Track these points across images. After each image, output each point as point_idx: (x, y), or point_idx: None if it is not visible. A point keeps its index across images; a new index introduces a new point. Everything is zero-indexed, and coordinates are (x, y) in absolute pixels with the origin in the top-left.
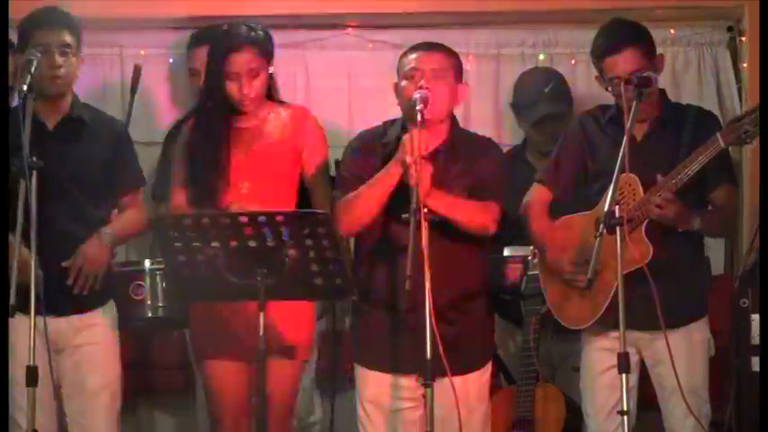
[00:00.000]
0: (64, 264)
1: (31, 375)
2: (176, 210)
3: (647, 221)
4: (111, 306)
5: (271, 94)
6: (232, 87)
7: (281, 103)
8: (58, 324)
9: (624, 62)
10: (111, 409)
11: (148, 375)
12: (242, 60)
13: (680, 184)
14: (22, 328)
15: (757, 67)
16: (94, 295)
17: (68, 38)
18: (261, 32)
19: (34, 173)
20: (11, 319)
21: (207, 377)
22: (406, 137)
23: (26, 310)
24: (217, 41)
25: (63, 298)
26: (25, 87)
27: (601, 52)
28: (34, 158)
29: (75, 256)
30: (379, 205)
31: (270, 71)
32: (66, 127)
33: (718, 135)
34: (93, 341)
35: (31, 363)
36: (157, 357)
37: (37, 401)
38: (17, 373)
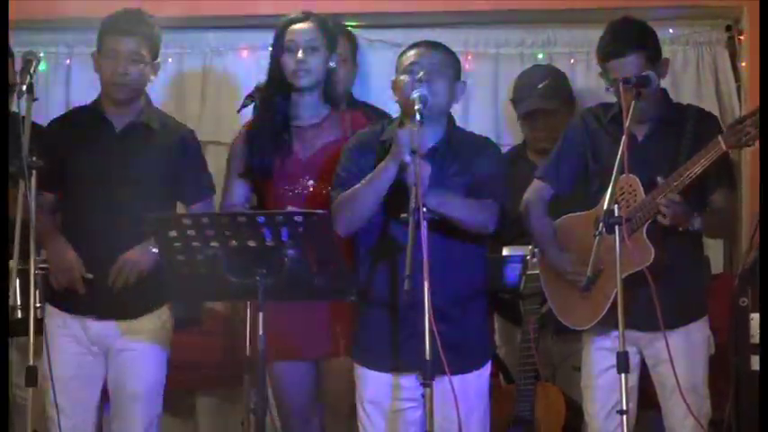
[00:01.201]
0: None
1: (30, 375)
2: (232, 194)
3: (648, 223)
4: (161, 312)
5: (331, 95)
6: (288, 59)
7: (340, 108)
8: (107, 326)
9: (627, 67)
10: (147, 417)
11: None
12: (301, 30)
13: (681, 187)
14: (56, 327)
15: (756, 67)
16: (140, 301)
17: (140, 48)
18: (327, 18)
19: (34, 173)
20: (46, 318)
21: (273, 378)
22: (400, 132)
23: (66, 310)
24: (280, 22)
25: (111, 302)
26: (24, 87)
27: (604, 55)
28: (33, 158)
29: (119, 259)
30: (376, 202)
31: (331, 64)
32: (132, 131)
33: (719, 138)
34: (134, 348)
35: (31, 362)
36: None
37: (74, 402)
38: (54, 370)
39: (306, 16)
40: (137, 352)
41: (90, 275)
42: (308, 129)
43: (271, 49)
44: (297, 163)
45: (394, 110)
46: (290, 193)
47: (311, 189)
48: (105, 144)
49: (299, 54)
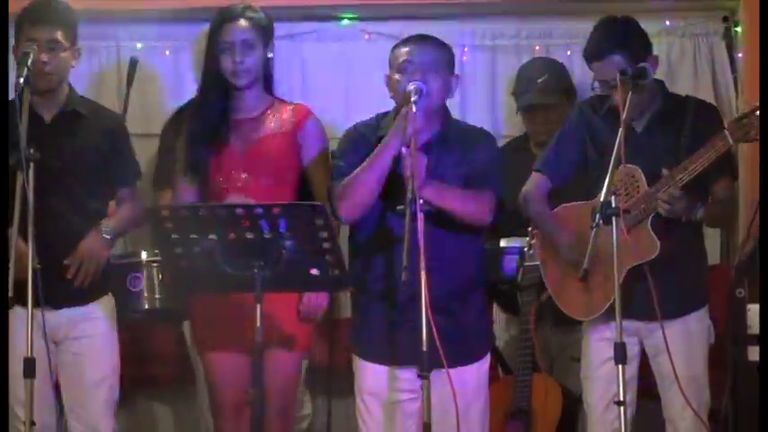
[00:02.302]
0: (66, 261)
1: (29, 367)
2: (180, 198)
3: (652, 215)
4: (109, 299)
5: (270, 87)
6: (226, 60)
7: (282, 100)
8: (57, 316)
9: (608, 68)
10: (109, 402)
11: (146, 367)
12: (236, 30)
13: (686, 180)
14: (20, 321)
15: (753, 58)
16: (93, 288)
17: (57, 34)
18: (259, 11)
19: (31, 165)
20: (9, 312)
21: (207, 369)
22: (403, 111)
23: (23, 303)
24: (214, 18)
25: (62, 291)
26: (21, 80)
27: (588, 55)
28: (32, 151)
29: (75, 251)
30: (379, 183)
31: (268, 55)
32: (62, 120)
33: (726, 133)
34: (91, 334)
35: (29, 354)
36: (155, 349)
37: (36, 394)
38: (14, 366)
39: (239, 13)
40: (94, 338)
41: (39, 265)
42: (246, 121)
43: (207, 44)
44: (232, 156)
45: (391, 102)
46: (223, 186)
47: (242, 184)
48: (36, 136)
49: (236, 55)
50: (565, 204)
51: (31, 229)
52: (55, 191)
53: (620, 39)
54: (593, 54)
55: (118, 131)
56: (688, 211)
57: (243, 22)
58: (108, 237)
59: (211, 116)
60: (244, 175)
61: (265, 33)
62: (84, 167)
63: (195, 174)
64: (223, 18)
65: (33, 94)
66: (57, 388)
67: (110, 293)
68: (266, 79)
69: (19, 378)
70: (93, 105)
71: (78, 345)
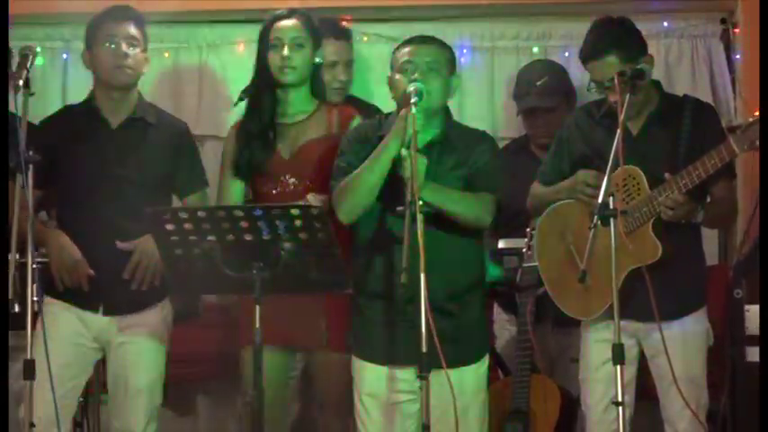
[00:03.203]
0: (120, 245)
1: (29, 369)
2: (227, 197)
3: (654, 218)
4: (165, 303)
5: (317, 90)
6: (274, 56)
7: (329, 102)
8: (108, 322)
9: (604, 68)
10: (149, 410)
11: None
12: (285, 26)
13: (690, 186)
14: (66, 316)
15: (751, 59)
16: (147, 294)
17: (135, 31)
18: (311, 14)
19: (30, 167)
20: (45, 308)
21: (245, 363)
22: (402, 112)
23: (69, 302)
24: (265, 19)
25: (117, 298)
26: (21, 82)
27: (584, 56)
28: (30, 153)
29: (133, 251)
30: (379, 184)
31: (316, 60)
32: (129, 127)
33: (732, 143)
34: (138, 341)
35: (29, 356)
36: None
37: (67, 391)
38: (53, 366)
39: (291, 13)
40: (138, 346)
41: (92, 272)
42: (292, 126)
43: (257, 45)
44: (279, 161)
45: (391, 105)
46: (273, 191)
47: (293, 187)
48: (102, 141)
49: (285, 51)
50: (563, 202)
51: (30, 230)
52: (116, 198)
53: (616, 38)
54: (588, 54)
55: (183, 139)
56: (689, 215)
57: (293, 21)
58: None
59: (260, 119)
60: (291, 180)
61: (315, 35)
62: (149, 175)
63: (243, 173)
64: (274, 17)
65: (102, 97)
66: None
67: (166, 298)
68: (313, 82)
69: (62, 376)
70: (160, 112)
71: (123, 351)
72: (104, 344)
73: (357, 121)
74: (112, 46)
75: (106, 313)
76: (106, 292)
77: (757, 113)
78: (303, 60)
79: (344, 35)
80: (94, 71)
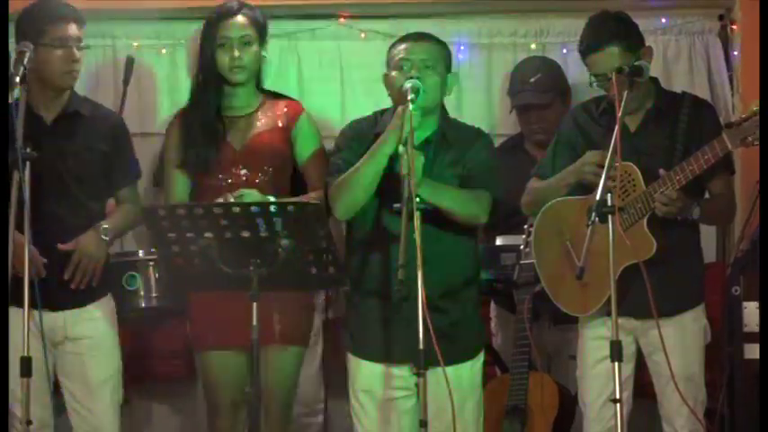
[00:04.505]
0: (61, 246)
1: (25, 366)
2: (172, 190)
3: (649, 214)
4: (108, 299)
5: (260, 84)
6: (222, 56)
7: (275, 95)
8: (55, 318)
9: (606, 60)
10: (114, 402)
11: (145, 365)
12: (233, 26)
13: (684, 182)
14: (16, 321)
15: (749, 56)
16: (92, 289)
17: (80, 32)
18: (255, 9)
19: (27, 164)
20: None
21: (204, 367)
22: (399, 108)
23: (19, 303)
24: (210, 14)
25: (60, 293)
26: (18, 79)
27: (584, 49)
28: (28, 150)
29: (74, 252)
30: (375, 180)
31: (263, 54)
32: (63, 121)
33: (725, 138)
34: (92, 335)
35: (25, 353)
36: (154, 347)
37: (33, 393)
38: (13, 365)
39: (237, 9)
40: (93, 340)
41: (44, 260)
42: (240, 118)
43: (201, 41)
44: (230, 153)
45: (387, 101)
46: (224, 183)
47: (244, 179)
48: (37, 138)
49: (235, 52)
50: (559, 199)
51: (27, 227)
52: (55, 192)
53: (616, 29)
54: (590, 46)
55: (118, 131)
56: (683, 212)
57: (240, 19)
58: (106, 237)
59: (207, 112)
60: (243, 171)
61: (262, 31)
62: (84, 169)
63: (189, 167)
64: (220, 14)
65: (36, 94)
66: (56, 388)
67: (109, 293)
68: (260, 77)
69: (15, 377)
70: (94, 106)
71: (79, 346)
72: (55, 342)
73: (305, 115)
74: (63, 50)
75: (52, 309)
76: (53, 288)
77: (755, 108)
78: (252, 58)
79: None
80: (35, 69)
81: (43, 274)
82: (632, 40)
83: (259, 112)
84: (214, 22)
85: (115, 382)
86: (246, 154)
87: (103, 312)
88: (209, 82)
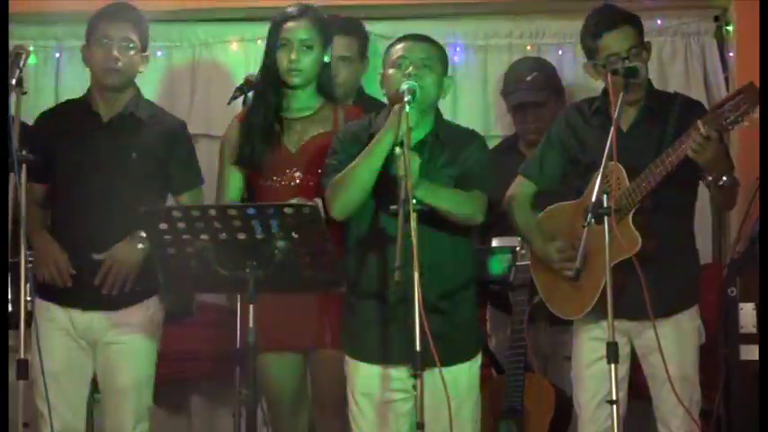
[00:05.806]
0: (95, 256)
1: (23, 368)
2: (226, 186)
3: (633, 211)
4: (148, 305)
5: (325, 89)
6: (282, 56)
7: (334, 102)
8: (89, 320)
9: (621, 38)
10: (137, 410)
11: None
12: (294, 27)
13: (665, 173)
14: (46, 319)
15: (745, 57)
16: (124, 295)
17: (130, 32)
18: (323, 14)
19: (24, 166)
20: (35, 311)
21: (262, 370)
22: (396, 107)
23: (52, 301)
24: (277, 15)
25: (93, 294)
26: (13, 81)
27: (596, 30)
28: (23, 152)
29: (106, 258)
30: (371, 180)
31: (325, 59)
32: (119, 122)
33: (699, 123)
34: (122, 341)
35: (22, 356)
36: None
37: (64, 396)
38: (39, 363)
39: (301, 12)
40: (125, 345)
41: (73, 271)
42: (298, 120)
43: (266, 41)
44: (285, 154)
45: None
46: (278, 184)
47: (298, 181)
48: (91, 136)
49: (293, 54)
50: (555, 204)
51: (23, 230)
52: (101, 192)
53: (627, 13)
54: (603, 26)
55: (178, 137)
56: (716, 166)
57: (303, 22)
58: (142, 245)
59: (265, 113)
60: (297, 173)
61: (325, 36)
62: (137, 172)
63: (243, 166)
64: (284, 16)
65: (104, 89)
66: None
67: (154, 298)
68: (321, 81)
69: (47, 377)
70: (156, 110)
71: (110, 350)
72: (92, 343)
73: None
74: (105, 48)
75: (86, 309)
76: (89, 289)
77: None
78: (310, 63)
79: (352, 31)
80: (90, 68)
81: (69, 283)
82: (640, 26)
83: (317, 116)
84: (278, 24)
85: (141, 390)
86: (301, 156)
87: (143, 316)
88: (269, 83)
